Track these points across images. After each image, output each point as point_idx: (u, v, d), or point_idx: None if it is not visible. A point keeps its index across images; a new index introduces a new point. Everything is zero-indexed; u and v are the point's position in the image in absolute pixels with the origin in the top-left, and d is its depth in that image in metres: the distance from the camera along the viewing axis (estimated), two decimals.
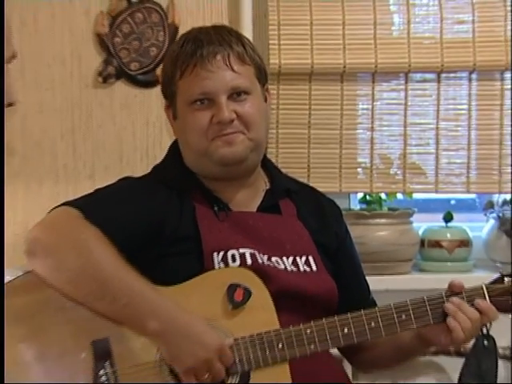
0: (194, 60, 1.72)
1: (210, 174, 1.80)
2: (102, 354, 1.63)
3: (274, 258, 1.75)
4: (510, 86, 2.27)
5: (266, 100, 1.84)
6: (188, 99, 1.76)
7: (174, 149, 1.84)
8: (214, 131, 1.74)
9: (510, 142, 2.33)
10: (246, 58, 1.74)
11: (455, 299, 1.66)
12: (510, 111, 2.32)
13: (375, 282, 1.93)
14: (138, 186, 1.81)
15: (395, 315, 1.66)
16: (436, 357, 2.27)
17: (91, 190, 1.77)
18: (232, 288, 1.66)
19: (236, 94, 1.74)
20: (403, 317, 1.66)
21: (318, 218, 1.87)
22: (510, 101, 2.31)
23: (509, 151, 2.30)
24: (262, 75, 1.81)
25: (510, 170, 2.28)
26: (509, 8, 2.25)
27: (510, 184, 2.29)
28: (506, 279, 1.66)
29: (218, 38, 1.75)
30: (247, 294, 1.65)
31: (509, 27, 2.28)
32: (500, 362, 1.92)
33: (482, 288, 1.65)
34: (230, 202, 1.78)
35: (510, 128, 2.33)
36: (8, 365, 1.54)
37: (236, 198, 1.80)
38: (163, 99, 1.95)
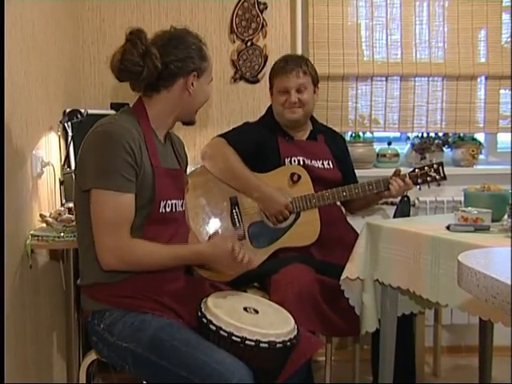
0: (282, 71, 2.51)
1: (283, 123, 2.56)
2: (234, 202, 2.43)
3: (313, 161, 2.52)
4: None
5: (315, 93, 2.55)
6: (277, 89, 2.55)
7: (269, 109, 2.61)
8: (286, 105, 2.51)
9: (425, 113, 3.08)
10: (307, 73, 2.50)
11: (394, 177, 2.45)
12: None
13: (357, 172, 2.71)
14: (250, 126, 2.61)
15: (366, 186, 2.44)
16: (383, 205, 3.07)
17: (229, 129, 2.59)
18: (292, 174, 2.44)
19: (299, 89, 2.49)
20: (370, 187, 2.44)
21: (334, 143, 2.63)
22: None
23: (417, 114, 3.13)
24: (315, 81, 2.56)
25: (416, 120, 3.17)
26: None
27: (418, 127, 3.16)
28: (416, 170, 2.47)
29: (294, 61, 2.54)
30: (299, 177, 2.42)
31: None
32: (412, 209, 2.87)
33: (406, 174, 2.47)
34: (294, 135, 2.58)
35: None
36: (192, 207, 2.19)
37: (296, 133, 2.59)
38: (261, 88, 2.96)
